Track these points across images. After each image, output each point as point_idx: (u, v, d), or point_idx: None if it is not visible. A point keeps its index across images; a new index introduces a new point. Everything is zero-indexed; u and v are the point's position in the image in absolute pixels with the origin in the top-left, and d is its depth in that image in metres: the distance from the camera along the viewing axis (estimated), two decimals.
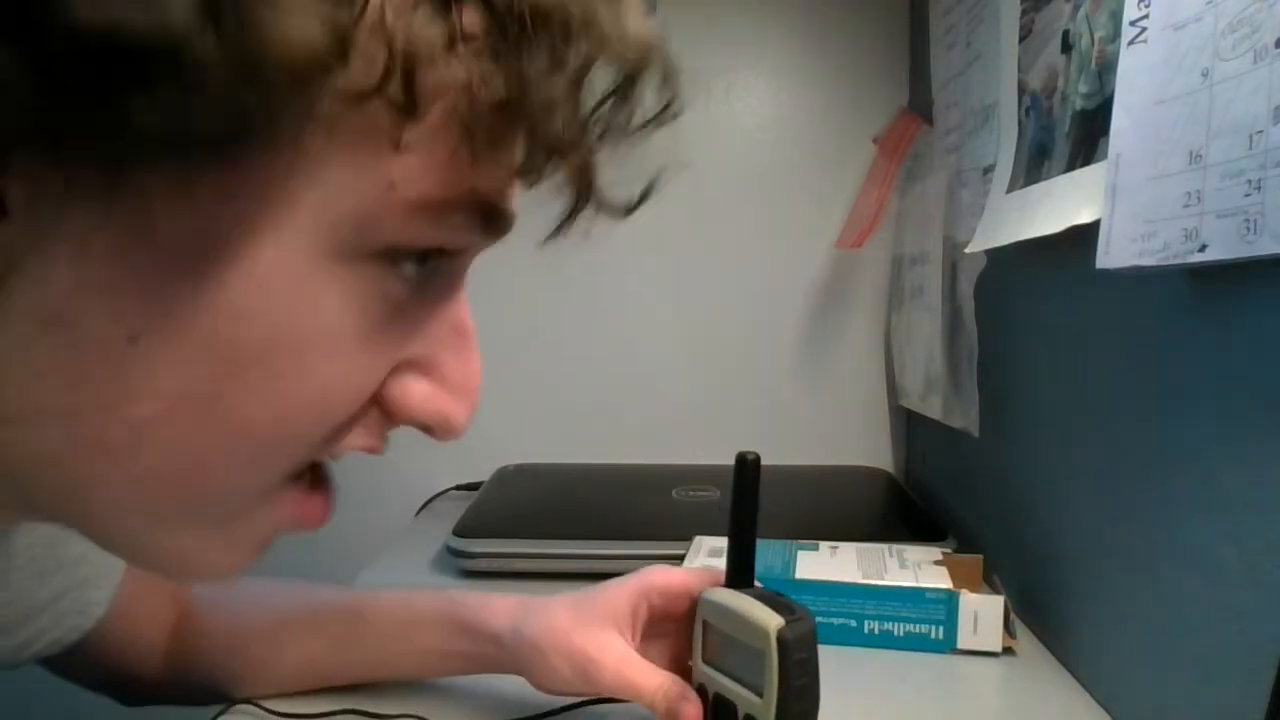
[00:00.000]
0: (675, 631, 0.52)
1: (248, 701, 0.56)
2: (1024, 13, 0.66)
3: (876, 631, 0.66)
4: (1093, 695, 0.58)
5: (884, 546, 0.73)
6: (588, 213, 0.29)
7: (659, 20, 0.29)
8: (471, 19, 0.23)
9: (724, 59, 1.08)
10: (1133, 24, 0.47)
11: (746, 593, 0.47)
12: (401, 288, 0.26)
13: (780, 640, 0.43)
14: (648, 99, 0.28)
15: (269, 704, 0.55)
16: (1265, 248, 0.37)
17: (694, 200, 1.09)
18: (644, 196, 0.31)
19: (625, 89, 0.27)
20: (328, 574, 0.62)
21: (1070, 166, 0.58)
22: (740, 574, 0.48)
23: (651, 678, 0.48)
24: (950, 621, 0.64)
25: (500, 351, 1.12)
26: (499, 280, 1.11)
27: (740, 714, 0.44)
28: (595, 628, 0.51)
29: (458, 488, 1.10)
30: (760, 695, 0.43)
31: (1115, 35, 0.51)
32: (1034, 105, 0.65)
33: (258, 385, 0.25)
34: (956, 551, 0.75)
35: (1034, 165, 0.64)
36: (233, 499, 0.28)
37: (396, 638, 0.56)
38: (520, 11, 0.23)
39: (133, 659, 0.56)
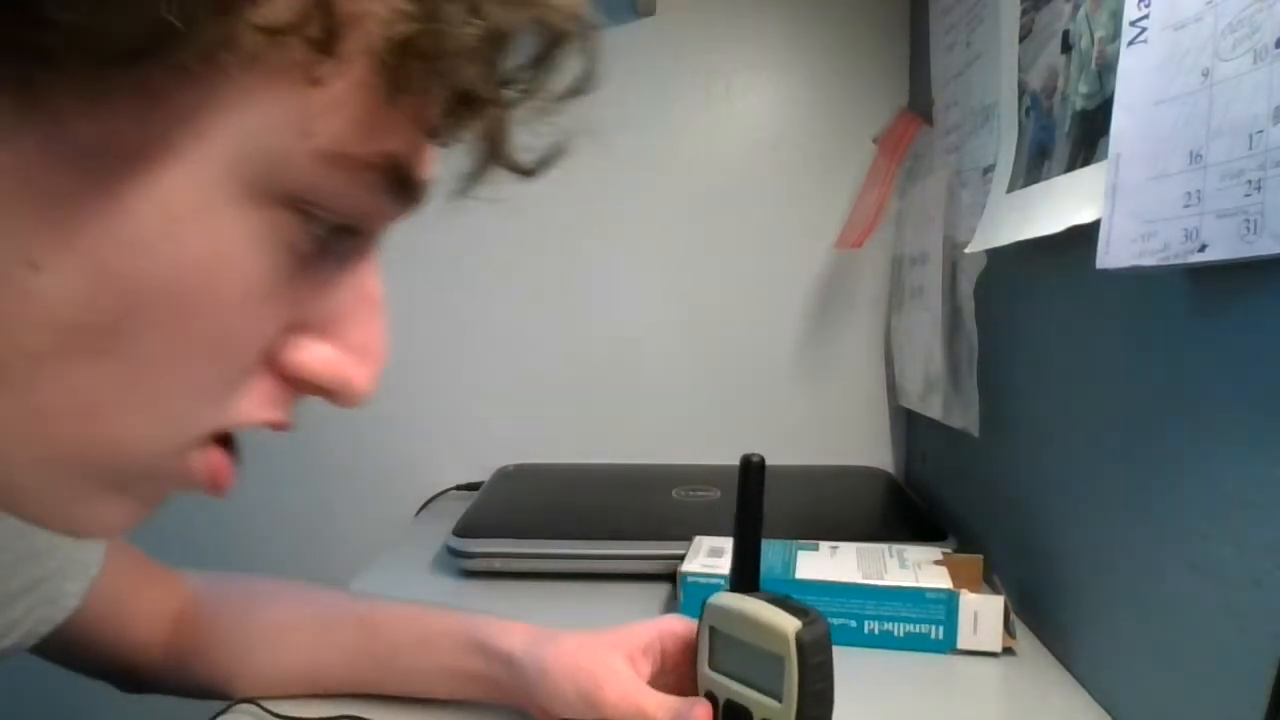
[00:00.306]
0: (677, 685, 0.52)
1: (249, 701, 0.56)
2: (1024, 13, 0.66)
3: (876, 631, 0.66)
4: (1093, 695, 0.58)
5: (884, 546, 0.73)
6: (495, 172, 0.29)
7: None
8: None
9: (724, 59, 1.08)
10: (1133, 24, 0.47)
11: (754, 596, 0.46)
12: (310, 244, 0.26)
13: (800, 644, 0.42)
14: (568, 68, 0.28)
15: (270, 705, 0.55)
16: (1265, 248, 0.37)
17: (694, 200, 1.09)
18: (549, 159, 0.30)
19: (545, 55, 0.27)
20: (327, 574, 0.63)
21: (1070, 166, 0.58)
22: (745, 577, 0.47)
23: (654, 697, 0.48)
24: (950, 621, 0.64)
25: (500, 352, 1.12)
26: (498, 281, 1.11)
27: (757, 718, 0.44)
28: (605, 654, 0.51)
29: (458, 488, 1.10)
30: (778, 700, 0.43)
31: (1115, 35, 0.51)
32: (1034, 105, 0.65)
33: (158, 322, 0.24)
34: (956, 551, 0.75)
35: (1034, 165, 0.64)
36: (130, 452, 0.27)
37: (408, 651, 0.56)
38: None
39: (127, 650, 0.56)
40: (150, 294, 0.24)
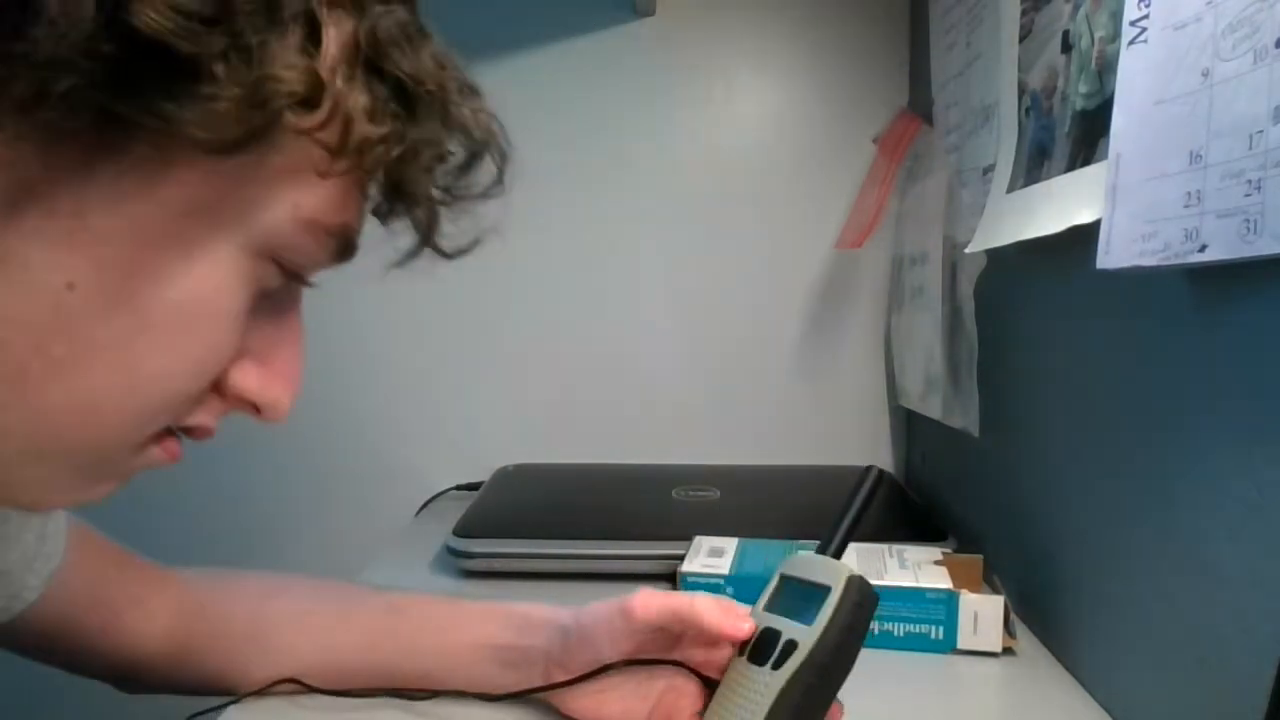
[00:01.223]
0: None
1: (292, 680, 0.55)
2: (1024, 13, 0.66)
3: (876, 631, 0.65)
4: (1093, 695, 0.58)
5: (884, 546, 0.73)
6: (424, 252, 0.37)
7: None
8: (385, 91, 0.31)
9: (724, 59, 1.08)
10: (1133, 24, 0.47)
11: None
12: (272, 284, 0.33)
13: (850, 581, 0.45)
14: (484, 174, 0.37)
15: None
16: (1265, 248, 0.37)
17: (694, 200, 1.09)
18: (468, 248, 0.38)
19: (469, 164, 0.36)
20: (328, 574, 0.62)
21: (1070, 166, 0.58)
22: (835, 550, 0.49)
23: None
24: (950, 621, 0.64)
25: (500, 352, 1.12)
26: (498, 281, 1.11)
27: (781, 639, 0.46)
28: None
29: (458, 488, 1.10)
30: (809, 624, 0.45)
31: (1115, 35, 0.51)
32: (1034, 105, 0.65)
33: (165, 341, 0.30)
34: (956, 551, 0.75)
35: (1034, 165, 0.64)
36: (113, 448, 0.32)
37: (434, 631, 0.56)
38: (415, 93, 0.32)
39: (117, 643, 0.55)
40: (166, 321, 0.30)
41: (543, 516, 0.89)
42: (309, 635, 0.57)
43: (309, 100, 0.29)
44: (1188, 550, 0.48)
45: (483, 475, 1.06)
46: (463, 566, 0.81)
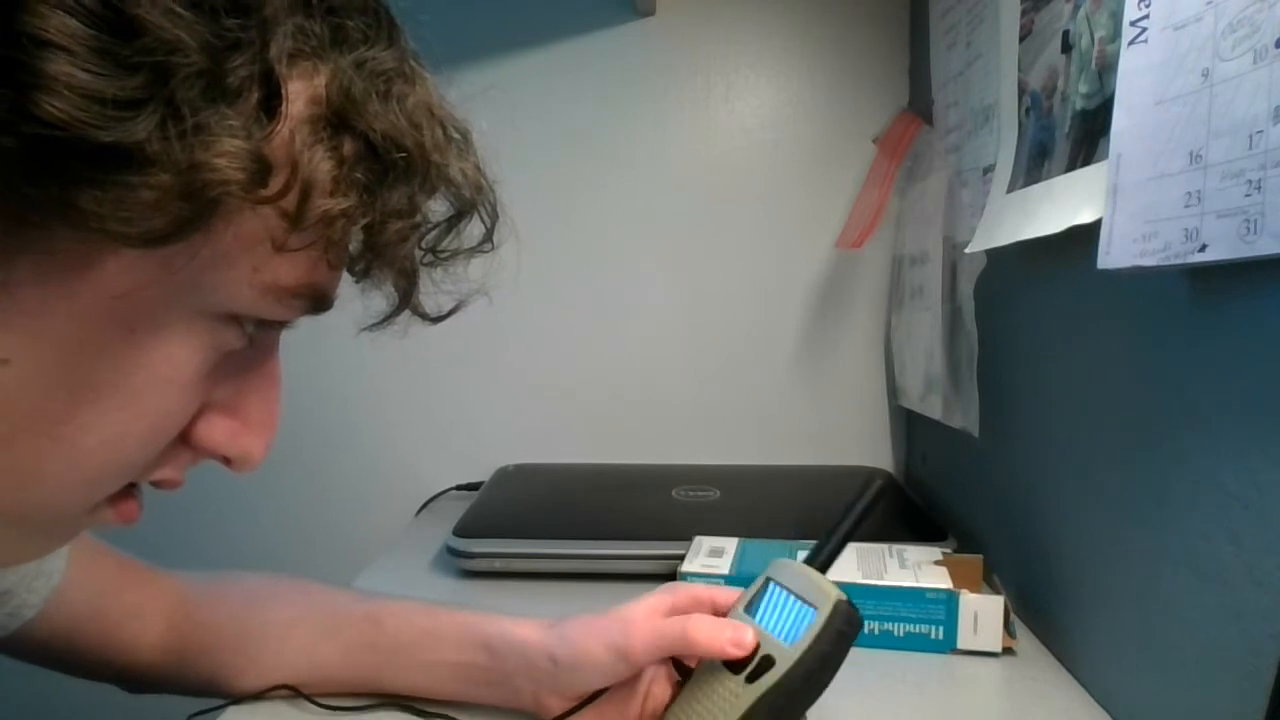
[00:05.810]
0: None
1: (286, 687, 0.56)
2: (1024, 13, 0.66)
3: (876, 631, 0.66)
4: (1093, 695, 0.58)
5: (884, 546, 0.73)
6: (404, 316, 0.36)
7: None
8: (354, 153, 0.29)
9: (724, 59, 1.08)
10: (1133, 24, 0.47)
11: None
12: (237, 341, 0.31)
13: (838, 606, 0.45)
14: (471, 231, 0.36)
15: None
16: (1265, 248, 0.37)
17: (694, 200, 1.09)
18: (451, 312, 0.38)
19: (454, 221, 0.35)
20: (327, 574, 0.62)
21: (1070, 166, 0.58)
22: (823, 561, 0.49)
23: (684, 620, 0.49)
24: (950, 621, 0.64)
25: (500, 352, 1.12)
26: (497, 280, 1.11)
27: (759, 652, 0.46)
28: (624, 609, 0.51)
29: (458, 488, 1.10)
30: (789, 644, 0.45)
31: (1115, 35, 0.51)
32: (1034, 105, 0.65)
33: (110, 412, 0.29)
34: (956, 551, 0.75)
35: (1034, 165, 0.64)
36: (55, 513, 0.31)
37: (411, 647, 0.56)
38: (391, 157, 0.30)
39: (117, 651, 0.56)
40: (107, 393, 0.28)
41: (543, 516, 0.89)
42: (294, 647, 0.57)
43: (254, 181, 0.26)
44: (1188, 550, 0.48)
45: (483, 475, 1.06)
46: (463, 566, 0.81)
